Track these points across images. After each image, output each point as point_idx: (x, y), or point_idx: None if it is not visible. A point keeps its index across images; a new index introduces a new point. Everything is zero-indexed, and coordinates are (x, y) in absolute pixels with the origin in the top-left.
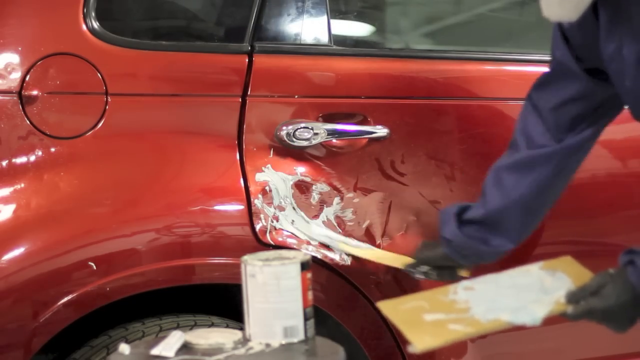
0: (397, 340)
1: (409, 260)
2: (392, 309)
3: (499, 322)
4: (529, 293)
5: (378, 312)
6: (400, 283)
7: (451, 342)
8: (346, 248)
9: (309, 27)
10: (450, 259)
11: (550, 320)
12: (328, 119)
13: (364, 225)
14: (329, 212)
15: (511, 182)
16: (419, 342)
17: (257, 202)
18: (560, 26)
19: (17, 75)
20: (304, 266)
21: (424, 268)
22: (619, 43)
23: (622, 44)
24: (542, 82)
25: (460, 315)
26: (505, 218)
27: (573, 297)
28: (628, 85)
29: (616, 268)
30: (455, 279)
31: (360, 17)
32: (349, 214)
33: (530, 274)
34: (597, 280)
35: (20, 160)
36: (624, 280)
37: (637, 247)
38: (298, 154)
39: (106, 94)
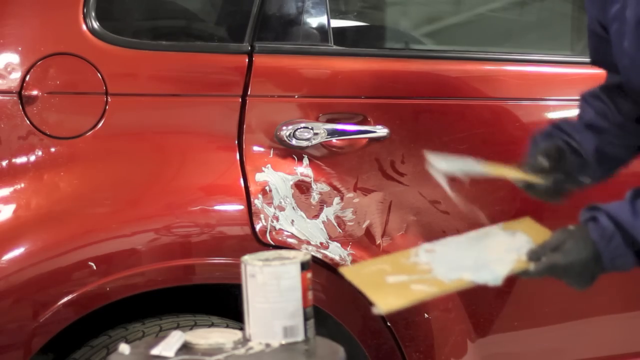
0: (397, 340)
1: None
2: (354, 273)
3: (461, 282)
4: (490, 253)
5: None
6: None
7: (415, 303)
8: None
9: (309, 27)
10: (563, 153)
11: (551, 320)
12: (328, 119)
13: (364, 225)
14: (329, 212)
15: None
16: (383, 304)
17: (257, 202)
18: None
19: (17, 75)
20: (304, 266)
21: (541, 161)
22: (622, 3)
23: (625, 4)
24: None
25: (422, 276)
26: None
27: (534, 255)
28: (626, 46)
29: (576, 224)
30: (558, 201)
31: (360, 17)
32: (349, 214)
33: (491, 234)
34: (557, 237)
35: (20, 160)
36: (584, 236)
37: (599, 203)
38: (298, 154)
39: (106, 94)
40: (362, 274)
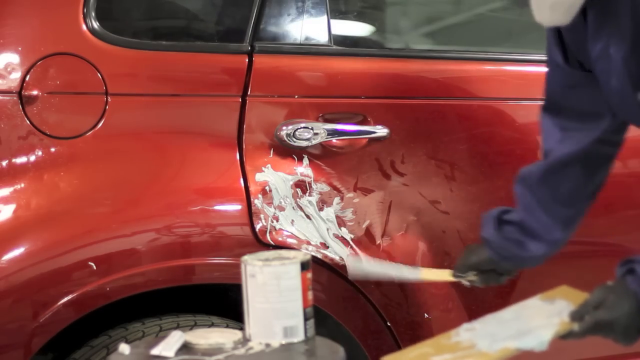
0: (397, 340)
1: (450, 273)
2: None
3: (506, 350)
4: (531, 321)
5: (378, 312)
6: (400, 283)
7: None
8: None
9: (309, 27)
10: (494, 263)
11: None
12: (328, 119)
13: (364, 225)
14: (329, 212)
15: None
16: None
17: (257, 202)
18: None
19: (17, 75)
20: (304, 266)
21: (470, 274)
22: (606, 42)
23: (609, 42)
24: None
25: (466, 352)
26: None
27: (577, 314)
28: (614, 84)
29: (613, 281)
30: (501, 283)
31: (360, 17)
32: (349, 214)
33: (529, 306)
34: (597, 295)
35: (20, 160)
36: (625, 289)
37: (634, 256)
38: (298, 154)
39: (106, 94)
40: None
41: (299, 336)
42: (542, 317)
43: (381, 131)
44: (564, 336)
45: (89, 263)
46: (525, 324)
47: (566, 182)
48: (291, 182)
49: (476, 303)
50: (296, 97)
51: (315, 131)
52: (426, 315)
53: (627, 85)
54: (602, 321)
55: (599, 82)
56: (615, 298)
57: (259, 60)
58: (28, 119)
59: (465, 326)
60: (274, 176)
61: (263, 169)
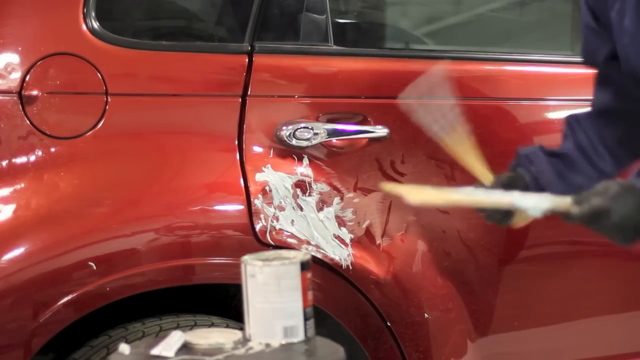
0: (397, 340)
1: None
2: (393, 187)
3: (500, 201)
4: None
5: (378, 312)
6: (400, 283)
7: (450, 203)
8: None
9: (309, 27)
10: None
11: (551, 320)
12: (328, 119)
13: (364, 225)
14: (329, 212)
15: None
16: (414, 198)
17: (257, 202)
18: None
19: (17, 75)
20: (304, 266)
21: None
22: None
23: None
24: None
25: (463, 194)
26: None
27: (579, 198)
28: (626, 24)
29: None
30: (506, 225)
31: (360, 17)
32: (349, 214)
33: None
34: (603, 184)
35: (20, 160)
36: (630, 185)
37: None
38: (298, 154)
39: (106, 94)
40: (400, 187)
41: (299, 336)
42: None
43: (381, 131)
44: (562, 216)
45: (89, 263)
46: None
47: (607, 130)
48: (291, 182)
49: (476, 303)
50: (296, 97)
51: (315, 131)
52: (426, 315)
53: (638, 25)
54: (601, 208)
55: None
56: (619, 189)
57: (259, 60)
58: (28, 119)
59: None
60: (274, 176)
61: (263, 169)
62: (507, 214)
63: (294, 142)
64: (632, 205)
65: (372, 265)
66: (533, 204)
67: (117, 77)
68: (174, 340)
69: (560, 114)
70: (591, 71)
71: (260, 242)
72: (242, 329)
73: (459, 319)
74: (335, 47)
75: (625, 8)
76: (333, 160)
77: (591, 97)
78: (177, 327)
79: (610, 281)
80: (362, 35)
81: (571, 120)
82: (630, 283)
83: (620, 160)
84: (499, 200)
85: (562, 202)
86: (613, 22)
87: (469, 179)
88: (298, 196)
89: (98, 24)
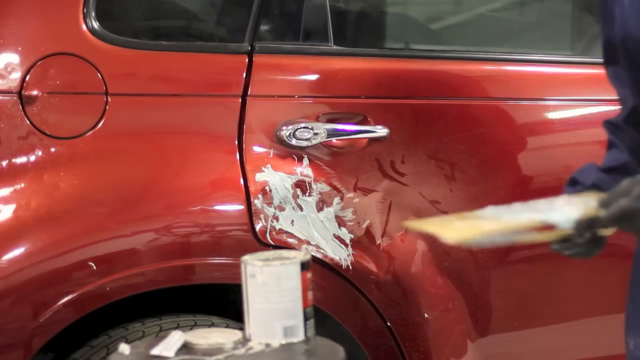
0: (397, 340)
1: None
2: (417, 224)
3: (532, 221)
4: (559, 205)
5: (378, 312)
6: (400, 283)
7: (484, 236)
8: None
9: (309, 27)
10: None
11: (551, 320)
12: (328, 119)
13: (364, 225)
14: (329, 212)
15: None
16: (451, 236)
17: (257, 202)
18: None
19: (17, 75)
20: (304, 266)
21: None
22: None
23: None
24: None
25: (491, 219)
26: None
27: (604, 201)
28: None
29: None
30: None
31: (360, 16)
32: (349, 214)
33: (559, 198)
34: (625, 184)
35: (20, 160)
36: None
37: None
38: (298, 154)
39: (106, 94)
40: (425, 222)
41: (299, 336)
42: (570, 204)
43: (381, 131)
44: (590, 222)
45: (89, 263)
46: (553, 206)
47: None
48: (291, 182)
49: (476, 303)
50: (296, 97)
51: (315, 131)
52: (426, 315)
53: None
54: (628, 209)
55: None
56: None
57: (259, 60)
58: (28, 119)
59: (490, 209)
60: (274, 176)
61: (263, 169)
62: (590, 241)
63: (294, 142)
64: None
65: (372, 265)
66: (563, 217)
67: (117, 77)
68: (174, 340)
69: (559, 114)
70: (590, 71)
71: (260, 242)
72: (242, 329)
73: (459, 319)
74: (335, 47)
75: None
76: (333, 160)
77: (591, 98)
78: (177, 327)
79: (611, 281)
80: (363, 35)
81: (610, 127)
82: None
83: None
84: (530, 220)
85: (589, 207)
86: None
87: (469, 179)
88: (298, 196)
89: (98, 24)
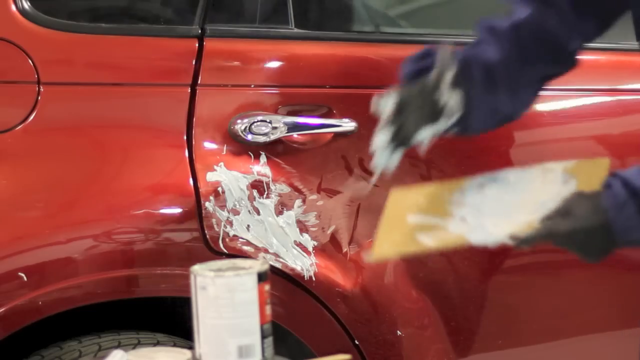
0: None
1: None
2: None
3: (461, 240)
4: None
5: (345, 329)
6: (369, 296)
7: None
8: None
9: (268, 8)
10: None
11: (539, 338)
12: (288, 111)
13: (329, 231)
14: (289, 216)
15: None
16: (377, 252)
17: (209, 204)
18: None
19: None
20: (262, 277)
21: None
22: None
23: None
24: None
25: (440, 220)
26: None
27: (544, 219)
28: None
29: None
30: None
31: None
32: (312, 218)
33: (547, 177)
34: (569, 201)
35: None
36: (597, 203)
37: (620, 170)
38: (254, 151)
39: (38, 82)
40: (396, 203)
41: (256, 356)
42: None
43: (348, 125)
44: (523, 241)
45: (19, 274)
46: (507, 210)
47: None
48: (247, 183)
49: (456, 319)
50: (252, 86)
51: (273, 125)
52: (399, 332)
53: None
54: (559, 232)
55: None
56: (583, 210)
57: (211, 45)
58: None
59: (480, 180)
60: (228, 175)
61: (215, 167)
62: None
63: (249, 137)
64: (594, 227)
65: (338, 276)
66: (492, 240)
67: (50, 64)
68: None
69: (550, 106)
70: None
71: (211, 250)
72: (191, 348)
73: (436, 337)
74: (296, 30)
75: None
76: (294, 157)
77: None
78: (119, 346)
79: (606, 295)
80: (327, 17)
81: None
82: (628, 297)
83: None
84: (459, 240)
85: (526, 226)
86: None
87: (446, 179)
88: (254, 198)
89: (29, 4)
